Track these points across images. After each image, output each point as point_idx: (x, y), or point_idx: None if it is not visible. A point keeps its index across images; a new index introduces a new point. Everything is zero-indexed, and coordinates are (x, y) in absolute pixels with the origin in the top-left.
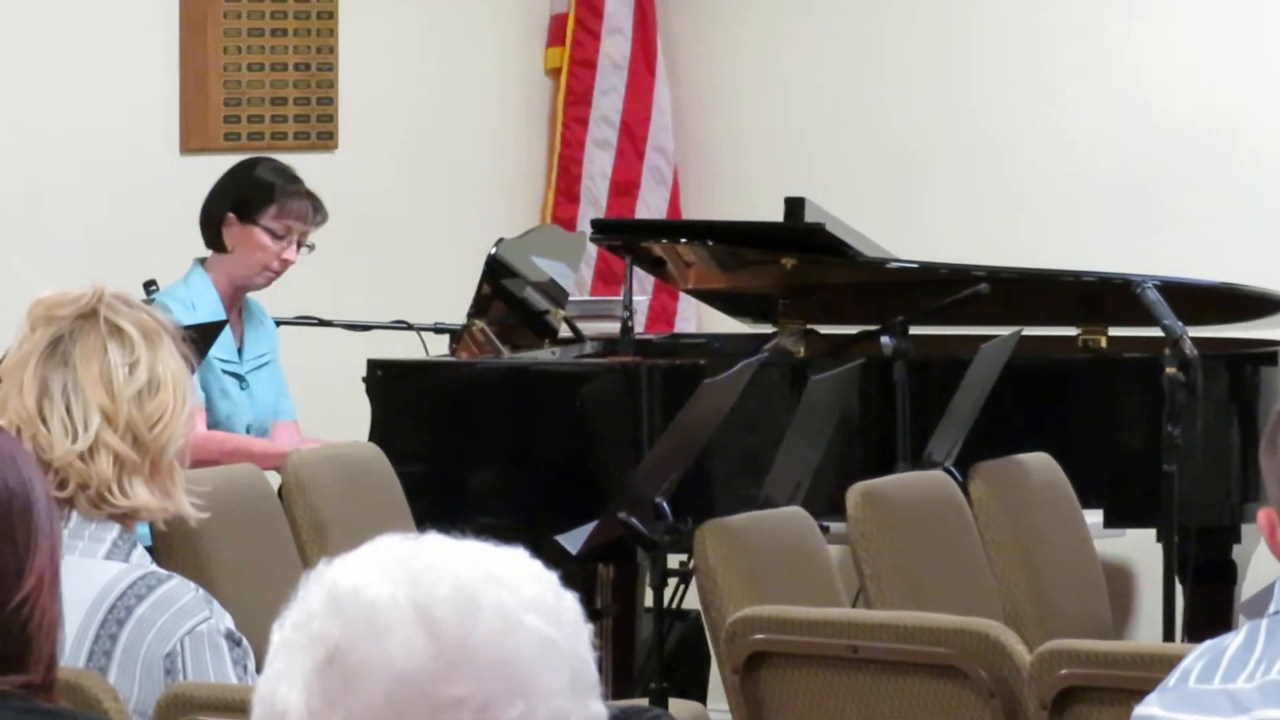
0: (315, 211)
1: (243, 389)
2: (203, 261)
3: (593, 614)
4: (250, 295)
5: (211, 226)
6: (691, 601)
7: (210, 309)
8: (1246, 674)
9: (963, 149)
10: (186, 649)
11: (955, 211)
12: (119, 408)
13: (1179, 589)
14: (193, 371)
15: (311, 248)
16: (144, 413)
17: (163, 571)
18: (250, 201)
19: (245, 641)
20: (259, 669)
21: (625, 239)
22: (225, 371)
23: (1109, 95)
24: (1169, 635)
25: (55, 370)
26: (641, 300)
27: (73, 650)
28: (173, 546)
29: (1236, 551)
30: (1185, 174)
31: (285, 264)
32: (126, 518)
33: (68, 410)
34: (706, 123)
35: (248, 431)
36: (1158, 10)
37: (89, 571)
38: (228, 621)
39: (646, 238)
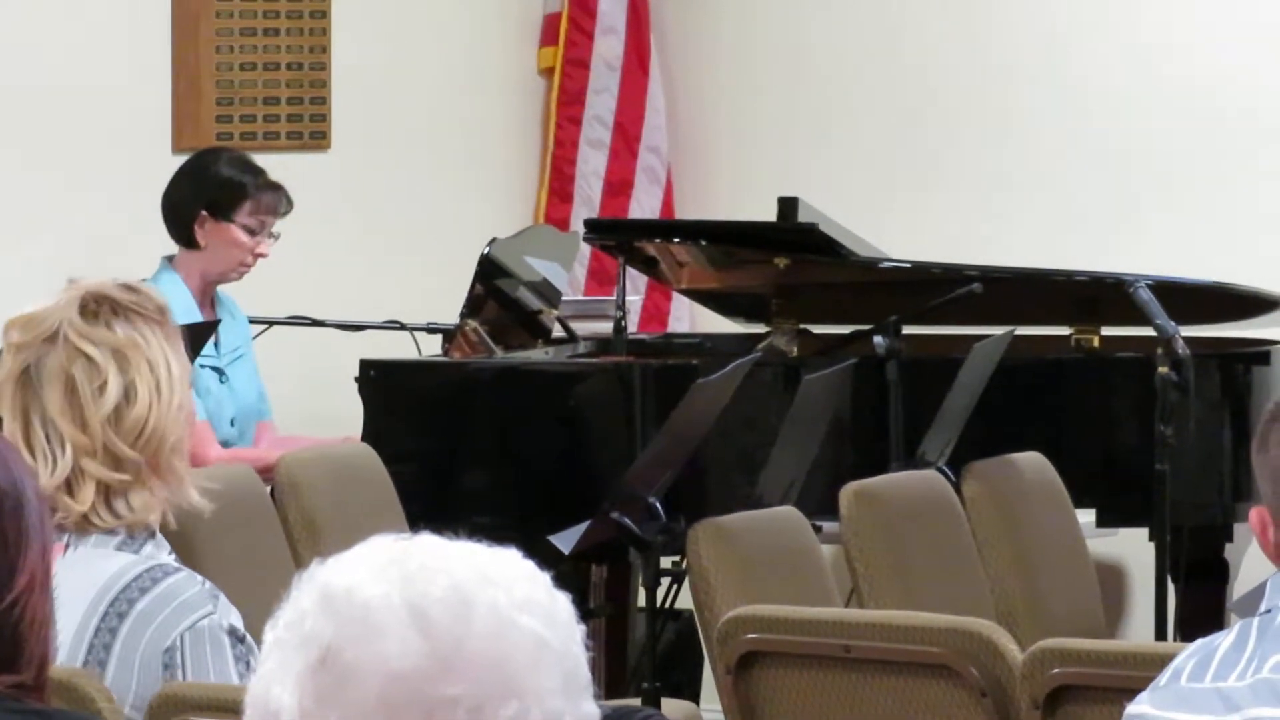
0: (285, 202)
1: (222, 382)
2: (170, 259)
3: (586, 614)
4: (221, 288)
5: (183, 225)
6: (684, 601)
7: (184, 309)
8: (1238, 672)
9: (956, 149)
10: (186, 644)
11: (948, 211)
12: (92, 437)
13: (1171, 588)
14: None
15: (277, 237)
16: (123, 429)
17: (171, 564)
18: (223, 200)
19: (250, 639)
20: None
21: (618, 239)
22: (204, 366)
23: (1103, 93)
24: (1161, 634)
25: (31, 400)
26: (635, 300)
27: (74, 643)
28: None
29: (1228, 550)
30: (1178, 172)
31: (259, 257)
32: (132, 526)
33: (47, 440)
34: (700, 122)
35: (232, 425)
36: (1151, 12)
37: (99, 562)
38: (233, 618)
39: (640, 237)
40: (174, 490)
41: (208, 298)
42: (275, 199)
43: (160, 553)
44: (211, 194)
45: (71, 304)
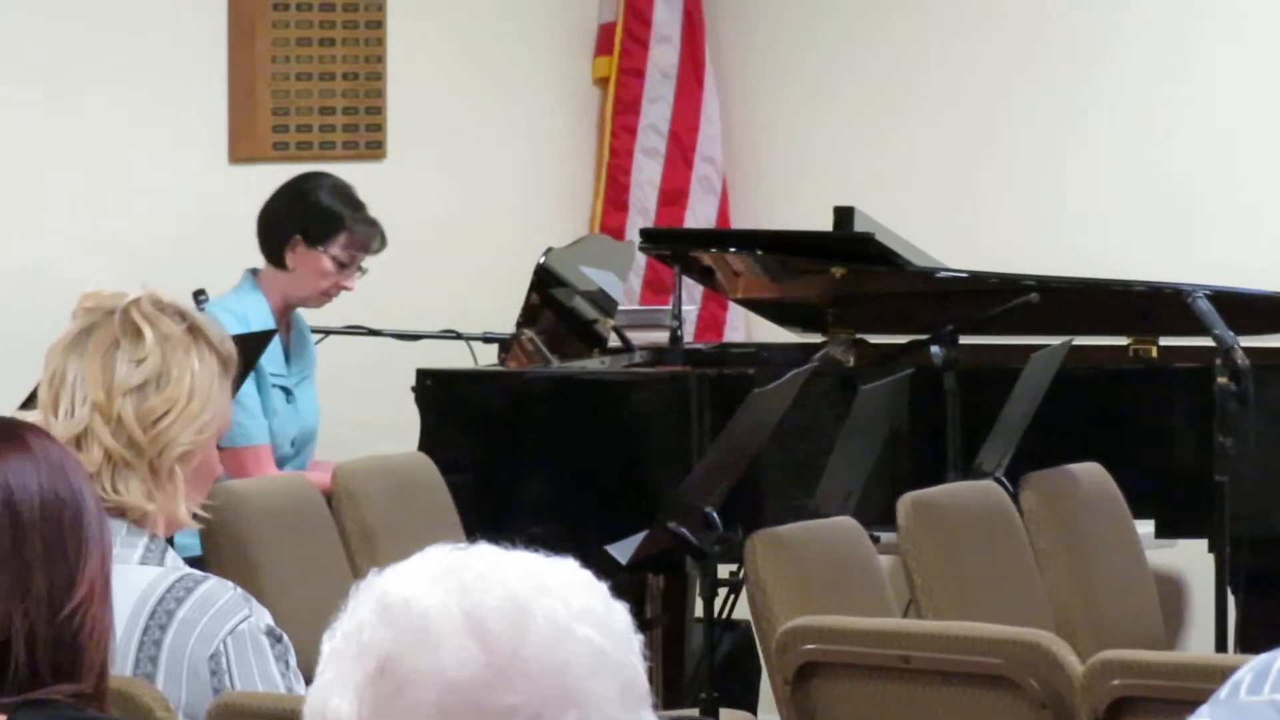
0: (379, 239)
1: (289, 402)
2: (254, 273)
3: (643, 624)
4: (297, 310)
5: (274, 244)
6: (741, 611)
7: (262, 322)
8: None
9: (1013, 156)
10: (230, 649)
11: (1005, 220)
12: (113, 402)
13: (1231, 600)
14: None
15: (364, 272)
16: (141, 409)
17: (198, 573)
18: (320, 228)
19: (285, 637)
20: (308, 680)
21: (674, 248)
22: (275, 385)
23: (1161, 99)
24: (1221, 646)
25: (73, 359)
26: (690, 310)
27: (118, 657)
28: (223, 555)
29: None
30: (1237, 180)
31: (342, 290)
32: (123, 515)
33: (71, 396)
34: (755, 131)
35: (291, 445)
36: (1203, 19)
37: (126, 577)
38: (267, 618)
39: (695, 247)
40: (167, 501)
41: (285, 318)
42: (370, 235)
43: (180, 563)
44: (308, 220)
45: (148, 296)
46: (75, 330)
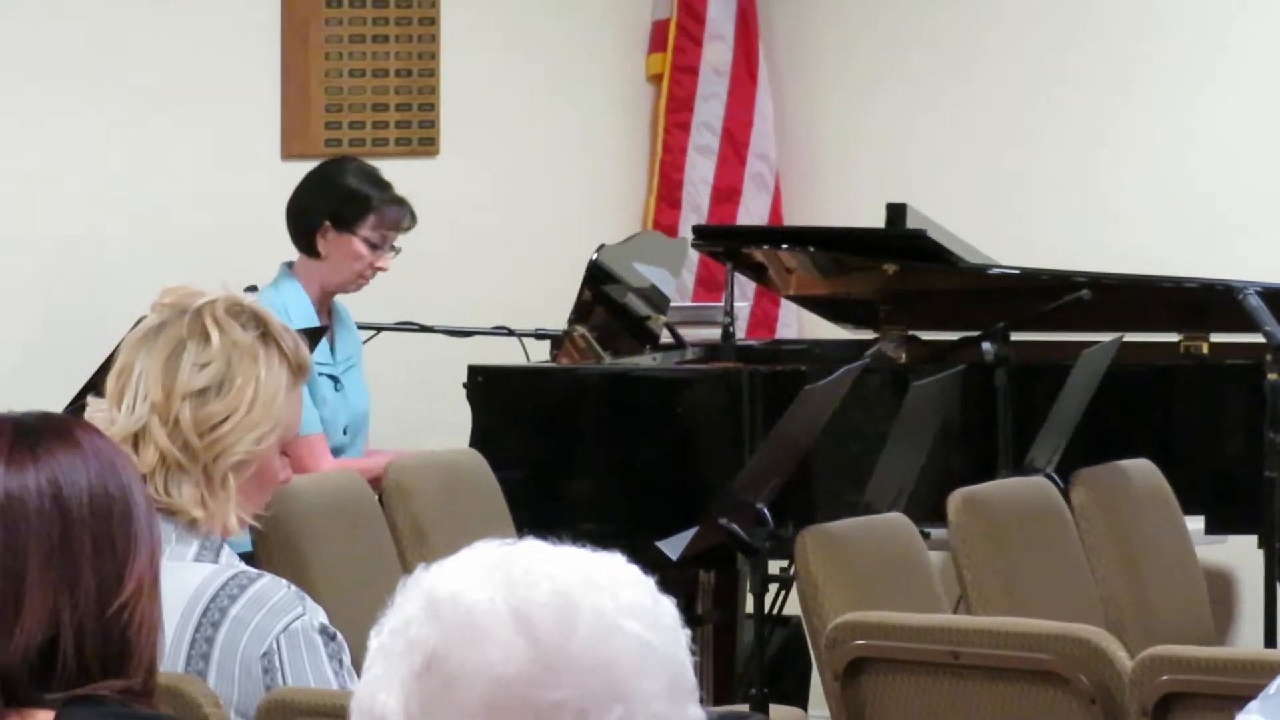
0: (409, 217)
1: (337, 390)
2: (289, 265)
3: (693, 620)
4: (337, 298)
5: (305, 233)
6: (792, 607)
7: (304, 315)
8: None
9: (1065, 154)
10: (283, 647)
11: (1057, 216)
12: (171, 404)
13: None
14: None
15: (398, 251)
16: (199, 414)
17: (253, 570)
18: (348, 212)
19: (339, 635)
20: (357, 674)
21: (727, 245)
22: (322, 374)
23: (1214, 96)
24: (1270, 642)
25: (142, 354)
26: (743, 306)
27: (170, 653)
28: (273, 551)
29: None
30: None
31: (377, 271)
32: (175, 516)
33: (134, 393)
34: (808, 129)
35: (344, 433)
36: (1247, 13)
37: (180, 574)
38: (321, 616)
39: (748, 244)
40: (218, 508)
41: (325, 306)
42: (399, 214)
43: (235, 560)
44: (336, 205)
45: (224, 299)
46: (149, 325)
